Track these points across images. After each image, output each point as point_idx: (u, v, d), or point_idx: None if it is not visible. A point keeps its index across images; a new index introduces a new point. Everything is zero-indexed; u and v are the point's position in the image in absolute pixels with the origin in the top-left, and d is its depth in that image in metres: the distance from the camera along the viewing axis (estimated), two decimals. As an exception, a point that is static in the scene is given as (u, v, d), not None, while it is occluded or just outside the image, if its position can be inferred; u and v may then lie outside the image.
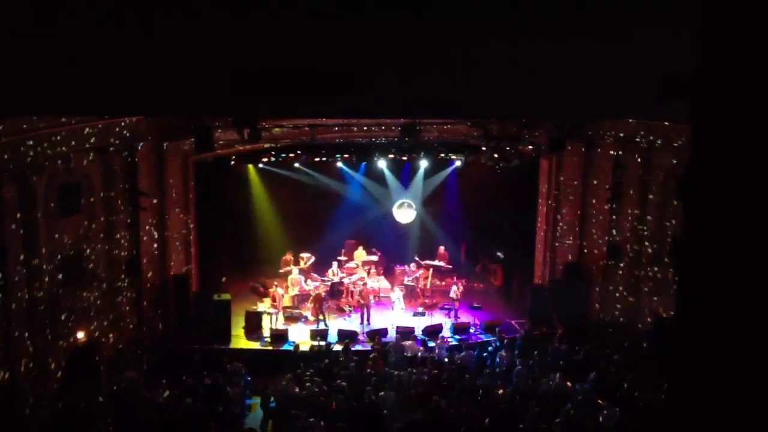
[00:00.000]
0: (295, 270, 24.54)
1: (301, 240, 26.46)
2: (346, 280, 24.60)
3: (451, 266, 26.20)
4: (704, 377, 4.60)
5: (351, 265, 25.96)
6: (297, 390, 17.07)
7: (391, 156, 24.95)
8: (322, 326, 22.14)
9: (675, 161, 20.71)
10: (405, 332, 21.46)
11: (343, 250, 26.82)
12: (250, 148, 22.20)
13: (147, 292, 21.27)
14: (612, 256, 23.18)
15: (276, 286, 23.78)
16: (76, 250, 18.97)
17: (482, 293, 26.11)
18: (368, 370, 18.50)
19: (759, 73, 4.09)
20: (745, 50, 4.14)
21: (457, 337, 21.91)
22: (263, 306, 23.08)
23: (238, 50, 6.17)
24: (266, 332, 21.83)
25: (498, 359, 19.49)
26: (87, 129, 18.21)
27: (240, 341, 21.62)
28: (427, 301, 24.65)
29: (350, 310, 23.50)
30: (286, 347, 20.89)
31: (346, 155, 24.63)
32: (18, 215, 16.51)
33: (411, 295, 24.91)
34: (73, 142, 17.87)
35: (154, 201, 21.24)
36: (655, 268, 22.03)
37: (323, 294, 23.66)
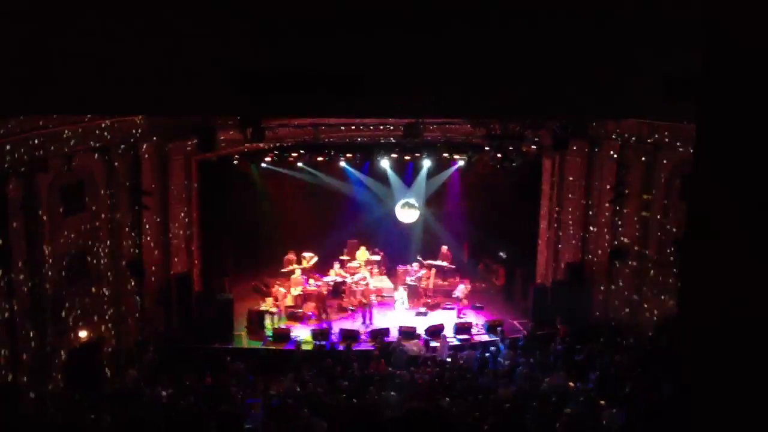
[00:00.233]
0: (297, 269, 24.55)
1: (304, 239, 26.45)
2: (348, 280, 24.60)
3: (453, 266, 26.19)
4: (707, 378, 4.58)
5: (353, 264, 25.95)
6: (299, 389, 17.08)
7: (394, 155, 24.96)
8: (324, 326, 22.16)
9: (679, 161, 20.68)
10: (407, 332, 21.47)
11: (345, 250, 26.81)
12: (254, 148, 22.20)
13: (150, 292, 21.27)
14: (615, 256, 23.15)
15: (278, 285, 23.79)
16: (79, 249, 18.99)
17: (485, 293, 26.09)
18: (370, 370, 18.52)
19: (765, 73, 4.08)
20: (751, 50, 4.13)
21: (459, 337, 21.90)
22: (265, 305, 23.08)
23: (241, 51, 6.18)
24: (269, 332, 21.84)
25: (500, 359, 19.49)
26: (91, 128, 18.24)
27: (242, 341, 21.65)
28: (429, 300, 24.64)
29: (352, 310, 23.50)
30: (288, 347, 20.89)
31: (349, 155, 24.64)
32: (22, 214, 16.54)
33: (413, 294, 24.89)
34: (76, 142, 17.91)
35: (157, 200, 21.22)
36: (659, 269, 21.99)
37: (326, 293, 23.67)
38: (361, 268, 25.61)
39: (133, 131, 19.88)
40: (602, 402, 16.13)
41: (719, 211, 4.41)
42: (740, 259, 4.22)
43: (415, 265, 25.83)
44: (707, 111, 4.48)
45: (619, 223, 23.07)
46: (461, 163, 25.82)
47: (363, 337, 21.65)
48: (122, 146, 19.73)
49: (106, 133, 18.93)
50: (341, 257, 26.16)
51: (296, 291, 23.77)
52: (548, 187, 24.82)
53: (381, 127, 23.26)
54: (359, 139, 23.86)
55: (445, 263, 25.93)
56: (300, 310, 23.42)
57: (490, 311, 24.19)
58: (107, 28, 5.42)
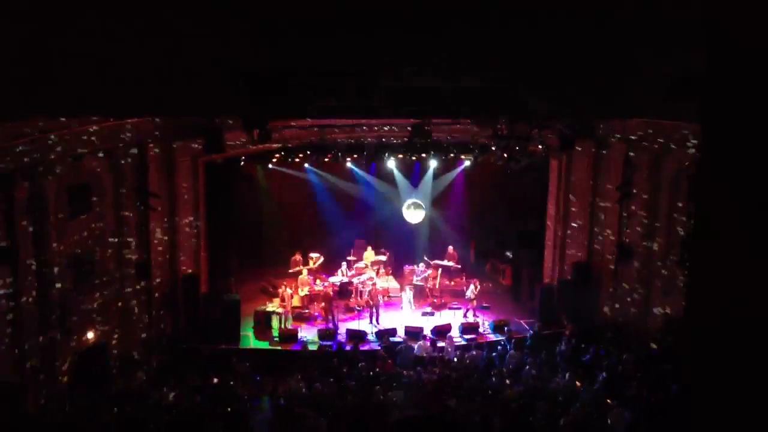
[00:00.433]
0: (304, 270, 24.57)
1: (310, 240, 26.51)
2: (355, 280, 24.61)
3: (460, 266, 26.19)
4: (714, 378, 4.57)
5: (360, 265, 25.97)
6: (306, 390, 17.09)
7: (401, 156, 24.97)
8: (331, 326, 22.18)
9: (686, 161, 20.61)
10: (414, 332, 21.46)
11: (352, 250, 26.85)
12: (260, 149, 22.22)
13: (156, 293, 21.32)
14: (622, 255, 23.08)
15: (285, 286, 23.82)
16: (86, 251, 19.04)
17: (491, 293, 26.07)
18: (377, 370, 18.51)
19: (766, 73, 4.06)
20: (756, 49, 4.12)
21: (466, 336, 21.88)
22: (272, 306, 23.10)
23: (241, 51, 6.19)
24: (275, 332, 21.85)
25: (507, 359, 19.46)
26: (97, 130, 18.29)
27: (249, 341, 21.67)
28: (436, 300, 24.63)
29: (359, 310, 23.50)
30: (295, 347, 20.90)
31: (355, 155, 24.66)
32: (28, 216, 16.59)
33: (420, 294, 24.88)
34: (83, 143, 17.96)
35: (164, 201, 21.25)
36: (666, 268, 21.92)
37: (332, 294, 23.68)
38: (367, 268, 25.63)
39: (140, 132, 19.91)
40: (609, 401, 16.10)
41: (722, 211, 4.41)
42: (747, 257, 4.21)
43: (422, 265, 25.82)
44: (709, 111, 4.48)
45: (626, 222, 22.99)
46: (468, 163, 25.80)
47: (370, 337, 21.65)
48: (129, 148, 19.77)
49: (112, 135, 18.97)
50: (348, 258, 26.17)
51: (303, 291, 23.79)
52: (555, 186, 24.77)
53: (387, 128, 23.23)
54: (366, 140, 23.83)
55: (451, 263, 25.93)
56: (307, 311, 23.45)
57: (496, 311, 24.16)
58: (107, 28, 5.43)
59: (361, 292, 24.12)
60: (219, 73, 6.63)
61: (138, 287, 20.72)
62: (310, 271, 24.70)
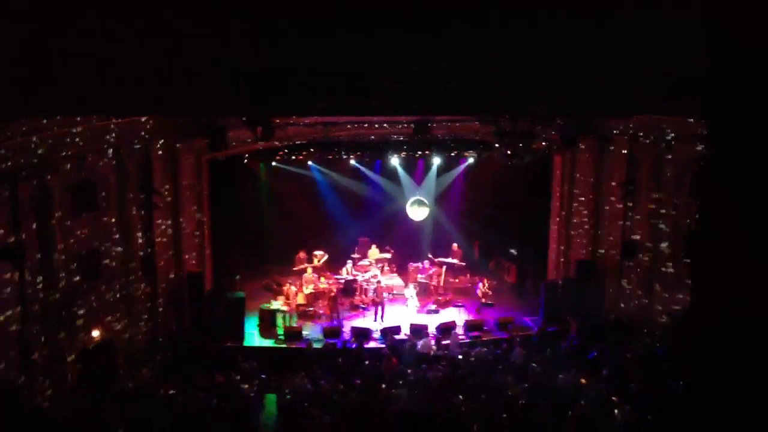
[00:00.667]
0: (309, 268, 24.59)
1: (315, 238, 26.53)
2: (359, 278, 24.62)
3: (464, 263, 26.20)
4: (719, 374, 4.58)
5: (364, 262, 25.98)
6: (311, 388, 17.11)
7: (404, 153, 24.95)
8: (335, 324, 22.20)
9: (690, 157, 20.57)
10: (418, 330, 21.46)
11: (356, 248, 26.88)
12: (263, 147, 22.24)
13: (161, 291, 21.36)
14: (626, 252, 23.06)
15: (290, 284, 23.83)
16: (91, 249, 19.07)
17: (496, 290, 26.03)
18: (382, 368, 18.52)
19: (766, 72, 4.06)
20: (756, 49, 4.11)
21: (470, 334, 21.87)
22: (277, 304, 23.11)
23: (241, 51, 6.19)
24: (280, 330, 21.87)
25: (511, 356, 19.46)
26: (101, 128, 18.33)
27: (254, 339, 21.70)
28: (440, 298, 24.63)
29: (364, 308, 23.51)
30: (299, 345, 20.92)
31: (358, 153, 24.65)
32: (34, 214, 16.63)
33: (424, 292, 24.89)
34: (87, 142, 17.99)
35: (168, 199, 21.28)
36: (670, 265, 21.91)
37: (337, 292, 23.70)
38: (372, 266, 25.64)
39: (144, 131, 19.94)
40: (614, 399, 16.10)
41: (730, 207, 4.41)
42: (751, 254, 4.21)
43: (426, 262, 25.83)
44: (716, 107, 4.48)
45: (630, 219, 22.97)
46: (471, 160, 25.81)
47: (375, 335, 21.65)
48: (133, 146, 19.80)
49: (116, 133, 19.01)
50: (353, 255, 26.18)
51: (308, 289, 23.80)
52: (558, 183, 24.76)
53: (388, 126, 23.23)
54: (369, 137, 23.85)
55: (455, 261, 25.94)
56: (311, 309, 23.47)
57: (501, 308, 24.14)
58: (107, 28, 5.44)
59: (365, 289, 24.15)
60: (219, 73, 6.64)
61: (143, 285, 20.76)
62: (314, 269, 24.71)
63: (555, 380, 17.40)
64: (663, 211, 21.97)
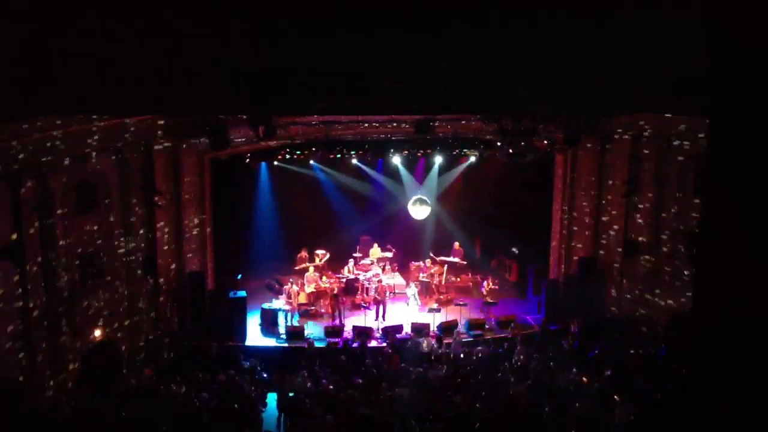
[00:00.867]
0: (310, 267, 24.59)
1: (316, 237, 26.53)
2: (361, 277, 24.61)
3: (465, 262, 26.19)
4: (721, 373, 4.58)
5: (366, 261, 25.96)
6: (312, 387, 17.12)
7: (406, 152, 24.94)
8: (337, 323, 22.20)
9: (692, 156, 20.56)
10: (420, 328, 21.45)
11: (358, 247, 26.86)
12: (265, 146, 22.24)
13: (163, 290, 21.37)
14: (628, 251, 23.04)
15: (291, 283, 23.82)
16: (93, 249, 19.09)
17: (497, 289, 26.02)
18: (383, 367, 18.52)
19: (766, 72, 4.05)
20: (756, 49, 4.11)
21: (472, 332, 21.86)
22: (279, 303, 23.11)
23: (241, 51, 6.18)
24: (282, 329, 21.87)
25: (513, 355, 19.45)
26: (104, 128, 18.33)
27: (256, 338, 21.70)
28: (442, 297, 24.62)
29: (365, 307, 23.51)
30: (301, 344, 20.91)
31: (360, 152, 24.64)
32: (36, 214, 16.64)
33: (426, 291, 24.88)
34: (89, 141, 18.01)
35: (170, 198, 21.28)
36: (672, 263, 21.88)
37: (339, 291, 23.69)
38: (373, 265, 25.63)
39: (146, 130, 19.94)
40: (616, 397, 16.10)
41: (733, 205, 4.40)
42: (753, 253, 4.21)
43: (428, 261, 25.81)
44: (719, 105, 4.47)
45: (632, 217, 22.94)
46: (473, 159, 25.79)
47: (376, 333, 21.65)
48: (135, 145, 19.80)
49: (119, 133, 19.02)
50: (354, 254, 26.17)
51: (309, 288, 23.80)
52: (560, 182, 24.74)
53: (390, 125, 23.22)
54: (371, 137, 23.84)
55: (457, 259, 25.93)
56: (313, 308, 23.47)
57: (502, 307, 24.11)
58: (107, 28, 5.43)
59: (367, 288, 24.12)
60: (219, 73, 6.64)
61: (145, 284, 20.76)
62: (316, 268, 24.71)
63: (556, 379, 17.41)
64: (665, 209, 21.93)
